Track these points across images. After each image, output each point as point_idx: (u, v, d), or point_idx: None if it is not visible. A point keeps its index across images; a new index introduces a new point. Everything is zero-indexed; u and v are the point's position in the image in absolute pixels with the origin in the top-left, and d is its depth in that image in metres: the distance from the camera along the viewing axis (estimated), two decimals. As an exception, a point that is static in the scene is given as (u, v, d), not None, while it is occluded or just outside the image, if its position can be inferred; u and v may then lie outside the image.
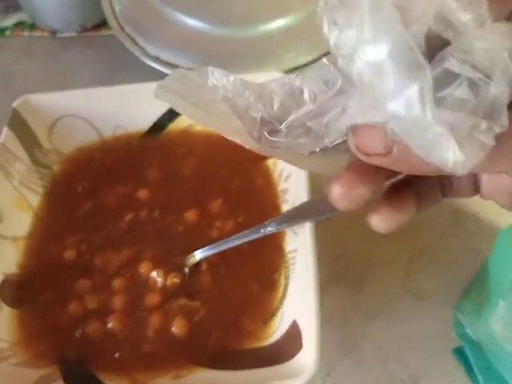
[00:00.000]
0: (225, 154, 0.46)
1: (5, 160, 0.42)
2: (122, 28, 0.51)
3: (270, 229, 0.36)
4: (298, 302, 0.34)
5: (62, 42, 0.66)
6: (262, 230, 0.37)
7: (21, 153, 0.44)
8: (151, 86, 0.47)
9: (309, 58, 0.49)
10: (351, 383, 0.38)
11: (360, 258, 0.44)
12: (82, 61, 0.64)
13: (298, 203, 0.38)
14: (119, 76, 0.61)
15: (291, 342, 0.33)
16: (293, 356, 0.31)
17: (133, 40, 0.50)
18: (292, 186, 0.41)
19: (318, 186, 0.38)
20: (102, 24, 0.65)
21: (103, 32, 0.65)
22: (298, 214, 0.36)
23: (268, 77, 0.23)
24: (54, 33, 0.66)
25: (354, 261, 0.43)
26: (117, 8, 0.52)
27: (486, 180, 0.23)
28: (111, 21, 0.52)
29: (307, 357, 0.30)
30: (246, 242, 0.39)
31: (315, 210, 0.35)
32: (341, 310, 0.41)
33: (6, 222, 0.41)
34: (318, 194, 0.36)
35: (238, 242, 0.38)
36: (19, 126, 0.44)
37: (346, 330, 0.40)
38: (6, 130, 0.43)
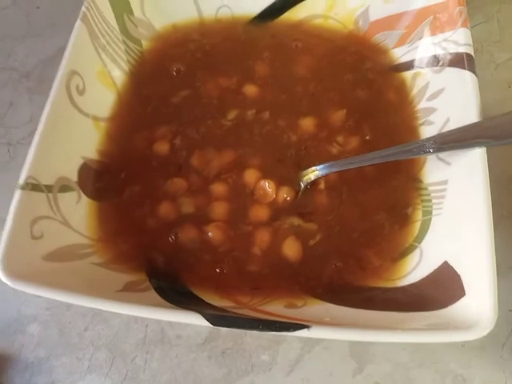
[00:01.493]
0: (349, 59, 0.39)
1: (91, 17, 0.34)
2: None
3: (427, 149, 0.29)
4: (453, 241, 0.28)
5: None
6: (414, 150, 0.30)
7: (109, 14, 0.36)
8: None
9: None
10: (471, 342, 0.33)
11: None
12: None
13: (451, 126, 0.31)
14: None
15: (442, 286, 0.27)
16: (449, 304, 0.26)
17: None
18: (443, 104, 0.33)
19: (489, 105, 0.32)
20: None
21: None
22: (467, 137, 0.29)
23: None
24: None
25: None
26: None
27: None
28: None
29: (477, 305, 0.24)
30: (373, 166, 0.33)
31: (491, 133, 0.28)
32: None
33: (87, 96, 0.34)
34: (495, 115, 0.29)
35: (375, 161, 0.31)
36: (110, -20, 0.36)
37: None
38: (95, -20, 0.35)
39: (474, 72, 0.31)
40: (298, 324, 0.24)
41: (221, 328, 0.25)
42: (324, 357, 0.33)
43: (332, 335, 0.24)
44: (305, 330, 0.24)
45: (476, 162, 0.28)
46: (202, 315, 0.24)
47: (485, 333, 0.23)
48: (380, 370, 0.33)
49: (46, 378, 0.34)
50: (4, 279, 0.25)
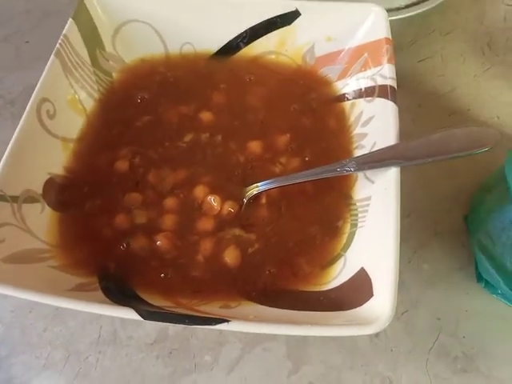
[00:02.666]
0: (297, 90, 0.43)
1: (65, 52, 0.39)
2: None
3: (349, 168, 0.33)
4: (369, 250, 0.31)
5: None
6: (338, 169, 0.34)
7: (82, 50, 0.41)
8: (229, 2, 0.43)
9: (405, 1, 0.45)
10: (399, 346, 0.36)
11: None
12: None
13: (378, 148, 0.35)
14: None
15: (357, 289, 0.30)
16: (360, 304, 0.29)
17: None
18: (373, 130, 0.37)
19: (409, 131, 0.35)
20: None
21: None
22: (383, 158, 0.33)
23: None
24: None
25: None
26: None
27: None
28: None
29: (380, 305, 0.27)
30: (311, 184, 0.37)
31: (404, 155, 0.32)
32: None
33: (57, 120, 0.38)
34: (413, 138, 0.33)
35: (306, 179, 0.35)
36: (84, 20, 0.41)
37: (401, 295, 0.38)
38: (70, 21, 0.40)
39: (395, 102, 0.35)
40: (219, 319, 0.27)
41: (153, 322, 0.28)
42: (263, 358, 0.36)
43: (245, 328, 0.27)
44: (224, 324, 0.27)
45: (391, 179, 0.32)
46: (136, 310, 0.28)
47: (381, 328, 0.26)
48: (314, 370, 0.35)
49: (4, 375, 0.37)
50: (-36, 277, 0.29)
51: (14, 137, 0.34)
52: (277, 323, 0.27)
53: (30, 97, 0.50)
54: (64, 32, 0.40)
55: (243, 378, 0.35)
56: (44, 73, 0.38)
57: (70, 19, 0.40)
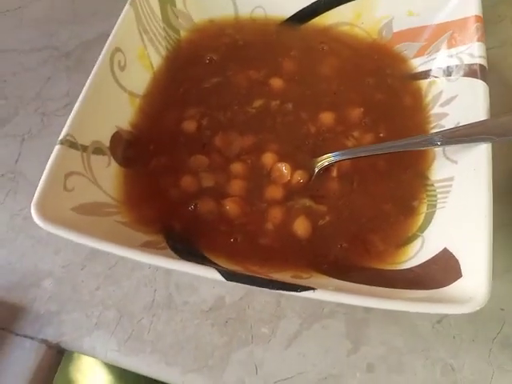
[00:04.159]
0: (370, 64, 0.41)
1: (139, 3, 0.38)
2: None
3: (435, 142, 0.31)
4: (453, 231, 0.30)
5: None
6: (423, 142, 0.32)
7: (155, 3, 0.39)
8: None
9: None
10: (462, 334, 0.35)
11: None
12: None
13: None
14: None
15: (440, 270, 0.29)
16: (446, 284, 0.27)
17: None
18: (454, 110, 0.35)
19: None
20: None
21: None
22: (472, 133, 0.31)
23: None
24: None
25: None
26: None
27: None
28: None
29: (473, 285, 0.26)
30: (384, 161, 0.35)
31: (495, 130, 0.30)
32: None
33: (126, 73, 0.36)
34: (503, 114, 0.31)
35: (387, 150, 0.33)
36: (158, -28, 0.39)
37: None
38: (145, -29, 0.38)
39: (486, 81, 0.34)
40: (304, 286, 0.26)
41: (233, 283, 0.27)
42: (321, 335, 0.35)
43: (335, 298, 0.26)
44: (310, 292, 0.26)
45: (481, 158, 0.30)
46: (217, 270, 0.26)
47: (476, 308, 0.25)
48: (374, 352, 0.34)
49: (55, 330, 0.36)
50: (37, 221, 0.28)
51: (86, 84, 0.33)
52: (369, 295, 0.25)
53: (86, 51, 0.50)
54: (139, -19, 0.38)
55: (301, 354, 0.34)
56: (118, 21, 0.36)
57: (145, -31, 0.39)
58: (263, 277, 0.27)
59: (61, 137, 0.31)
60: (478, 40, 0.35)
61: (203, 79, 0.40)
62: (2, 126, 0.44)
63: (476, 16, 0.36)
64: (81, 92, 0.44)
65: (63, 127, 0.43)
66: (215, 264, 0.30)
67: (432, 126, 0.37)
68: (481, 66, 0.34)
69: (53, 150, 0.41)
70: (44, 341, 0.35)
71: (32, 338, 0.36)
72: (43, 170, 0.42)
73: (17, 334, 0.36)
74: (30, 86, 0.47)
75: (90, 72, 0.47)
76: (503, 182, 0.40)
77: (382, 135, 0.37)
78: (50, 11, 0.52)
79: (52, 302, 0.37)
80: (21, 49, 0.49)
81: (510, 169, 0.41)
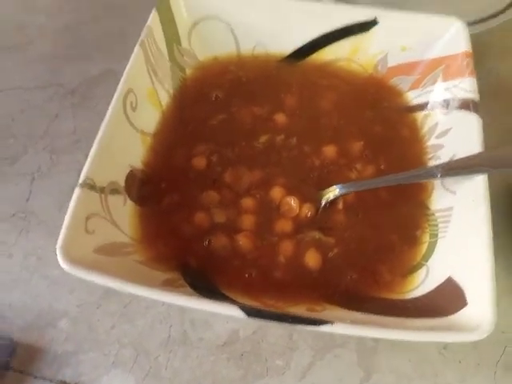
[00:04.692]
0: (368, 98, 0.43)
1: (148, 43, 0.39)
2: None
3: (435, 174, 0.33)
4: (455, 260, 0.32)
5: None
6: (423, 174, 0.34)
7: (161, 42, 0.41)
8: (307, 6, 0.44)
9: (470, 18, 0.46)
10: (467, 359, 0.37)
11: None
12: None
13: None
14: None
15: (446, 298, 0.31)
16: (452, 312, 0.29)
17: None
18: (450, 142, 0.37)
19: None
20: None
21: None
22: (469, 164, 0.33)
23: None
24: None
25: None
26: None
27: None
28: None
29: (479, 313, 0.28)
30: (387, 192, 0.37)
31: (490, 162, 0.33)
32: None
33: (138, 112, 0.38)
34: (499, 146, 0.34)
35: (389, 183, 0.35)
36: (166, 13, 0.41)
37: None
38: (153, 12, 0.40)
39: (478, 114, 0.36)
40: (323, 320, 0.27)
41: (252, 320, 0.28)
42: (334, 365, 0.36)
43: (351, 331, 0.27)
44: (328, 325, 0.27)
45: (478, 188, 0.32)
46: (240, 308, 0.28)
47: (484, 335, 0.26)
48: (385, 379, 0.36)
49: (73, 371, 0.37)
50: (62, 264, 0.29)
51: (102, 126, 0.34)
52: (382, 327, 0.27)
53: (90, 88, 0.51)
54: (148, 23, 0.40)
55: None
56: (129, 63, 0.38)
57: (154, 10, 0.40)
58: (283, 312, 0.28)
59: (80, 180, 0.32)
60: (469, 75, 0.38)
61: (210, 116, 0.41)
62: (11, 164, 0.45)
63: (466, 52, 0.39)
64: (87, 128, 0.46)
65: (72, 164, 0.45)
66: (233, 300, 0.32)
67: (429, 156, 0.39)
68: (473, 100, 0.37)
69: (63, 187, 0.44)
70: (63, 382, 0.36)
71: (51, 381, 0.36)
72: (54, 208, 0.43)
73: (35, 377, 0.36)
74: (38, 123, 0.48)
75: (96, 108, 0.49)
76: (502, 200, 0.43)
77: (382, 167, 0.39)
78: (54, 48, 0.53)
79: (68, 342, 0.38)
80: (26, 86, 0.51)
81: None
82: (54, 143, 0.47)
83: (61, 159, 0.46)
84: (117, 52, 0.53)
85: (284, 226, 0.36)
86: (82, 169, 0.44)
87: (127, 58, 0.50)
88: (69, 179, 0.44)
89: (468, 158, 0.34)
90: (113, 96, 0.47)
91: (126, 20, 0.55)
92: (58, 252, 0.29)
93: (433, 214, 0.36)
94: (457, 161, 0.34)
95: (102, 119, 0.47)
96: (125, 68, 0.49)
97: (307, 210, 0.37)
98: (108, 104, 0.47)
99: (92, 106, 0.49)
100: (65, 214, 0.41)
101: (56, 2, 0.58)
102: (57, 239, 0.39)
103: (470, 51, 0.39)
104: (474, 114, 0.36)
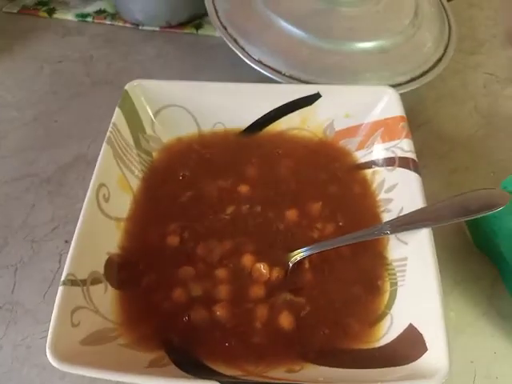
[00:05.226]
0: (321, 160, 0.48)
1: (114, 139, 0.43)
2: (224, 28, 0.52)
3: (385, 231, 0.38)
4: (414, 307, 0.35)
5: (144, 34, 0.68)
6: (376, 232, 0.38)
7: (127, 135, 0.45)
8: (257, 87, 0.49)
9: (403, 78, 0.52)
10: None
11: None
12: (164, 55, 0.65)
13: (404, 213, 0.40)
14: (202, 74, 0.63)
15: (409, 345, 0.34)
16: (415, 358, 0.32)
17: (235, 41, 0.51)
18: (397, 196, 0.42)
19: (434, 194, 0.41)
20: (187, 22, 0.67)
21: (186, 30, 0.67)
22: (414, 220, 0.37)
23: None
24: (136, 25, 0.67)
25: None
26: (219, 8, 0.53)
27: None
28: (214, 20, 0.53)
29: (436, 358, 0.31)
30: (347, 246, 0.41)
31: (433, 216, 0.37)
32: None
33: (111, 202, 0.41)
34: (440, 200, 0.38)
35: (347, 242, 0.39)
36: (128, 108, 0.45)
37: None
38: (117, 110, 0.44)
39: (418, 173, 0.41)
40: (299, 382, 0.30)
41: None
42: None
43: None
44: (304, 388, 0.30)
45: (424, 240, 0.36)
46: (220, 382, 0.30)
47: (441, 381, 0.29)
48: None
49: None
50: (52, 362, 0.31)
51: (78, 224, 0.37)
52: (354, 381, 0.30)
53: (65, 174, 0.54)
54: (113, 120, 0.44)
55: None
56: (98, 160, 0.41)
57: (117, 108, 0.44)
58: (258, 381, 0.31)
59: (63, 277, 0.34)
60: (405, 137, 0.43)
61: (179, 194, 0.45)
62: (-6, 258, 0.47)
63: (400, 116, 0.44)
64: (65, 215, 0.49)
65: (52, 250, 0.47)
66: (215, 372, 0.34)
67: (382, 209, 0.43)
68: (412, 159, 0.42)
69: (45, 274, 0.46)
70: None
71: None
72: (39, 296, 0.45)
73: None
74: (16, 214, 0.50)
75: (70, 193, 0.52)
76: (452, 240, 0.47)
77: (341, 224, 0.43)
78: (26, 140, 0.57)
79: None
80: (3, 179, 0.53)
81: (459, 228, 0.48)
82: (34, 232, 0.49)
83: (41, 247, 0.48)
84: (86, 137, 0.57)
85: (257, 291, 0.39)
86: (62, 253, 0.48)
87: (96, 141, 0.55)
88: (50, 265, 0.47)
89: (412, 214, 0.38)
90: (85, 179, 0.51)
91: (90, 106, 0.60)
92: (47, 351, 0.31)
93: (390, 264, 0.40)
94: (403, 217, 0.39)
95: (76, 204, 0.51)
96: (94, 151, 0.53)
97: (277, 274, 0.40)
98: (82, 189, 0.51)
99: (67, 193, 0.51)
100: (49, 300, 0.43)
101: (24, 96, 0.61)
102: (43, 326, 0.42)
103: (404, 116, 0.44)
104: (414, 172, 0.41)
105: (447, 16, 0.64)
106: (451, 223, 0.38)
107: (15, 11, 0.72)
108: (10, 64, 0.66)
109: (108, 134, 0.42)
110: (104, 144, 0.42)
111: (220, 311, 0.38)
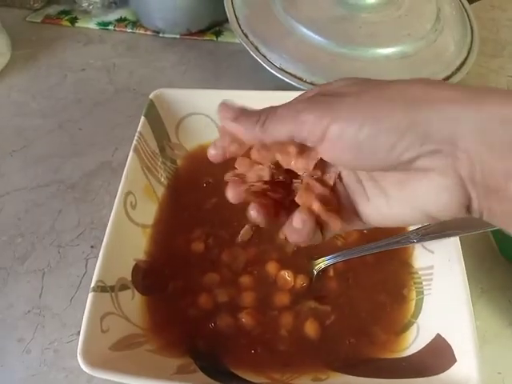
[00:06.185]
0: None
1: (140, 147, 0.44)
2: (245, 35, 0.53)
3: (412, 240, 0.37)
4: (441, 316, 0.35)
5: (164, 41, 0.69)
6: (402, 241, 0.38)
7: (152, 143, 0.46)
8: (278, 95, 0.49)
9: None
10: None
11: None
12: (185, 62, 0.66)
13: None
14: (223, 81, 0.64)
15: (436, 355, 0.34)
16: (444, 369, 0.32)
17: (256, 48, 0.52)
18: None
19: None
20: (207, 29, 0.67)
21: (206, 37, 0.68)
22: (442, 228, 0.37)
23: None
24: (157, 32, 0.68)
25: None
26: (240, 16, 0.54)
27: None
28: (235, 28, 0.53)
29: (466, 369, 0.30)
30: (372, 255, 0.41)
31: (460, 225, 0.36)
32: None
33: (137, 209, 0.42)
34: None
35: (372, 251, 0.39)
36: (153, 117, 0.46)
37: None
38: (142, 119, 0.45)
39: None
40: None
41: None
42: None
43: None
44: (331, 397, 0.30)
45: (452, 249, 0.36)
46: (247, 391, 0.30)
47: (475, 391, 0.29)
48: None
49: None
50: (84, 368, 0.31)
51: (107, 231, 0.38)
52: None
53: (90, 181, 0.55)
54: (138, 129, 0.44)
55: None
56: (125, 168, 0.42)
57: (142, 117, 0.45)
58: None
59: (92, 284, 0.35)
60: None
61: (203, 201, 0.45)
62: (22, 263, 0.48)
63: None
64: (91, 221, 0.50)
65: (78, 256, 0.48)
66: (242, 379, 0.34)
67: (406, 217, 0.43)
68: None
69: (72, 279, 0.46)
70: None
71: None
72: (66, 300, 0.46)
73: None
74: (43, 220, 0.51)
75: (95, 200, 0.53)
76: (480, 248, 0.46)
77: (365, 232, 0.43)
78: (51, 148, 0.58)
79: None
80: (30, 186, 0.54)
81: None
82: (61, 238, 0.50)
83: (68, 252, 0.49)
84: (110, 144, 0.58)
85: (282, 298, 0.39)
86: (88, 258, 0.49)
87: (119, 149, 0.55)
88: (77, 270, 0.48)
89: (440, 224, 0.37)
90: (110, 186, 0.52)
91: (113, 113, 0.60)
92: (78, 357, 0.31)
93: (416, 272, 0.40)
94: (431, 226, 0.38)
95: (102, 210, 0.51)
96: (118, 158, 0.54)
97: (302, 281, 0.40)
98: (107, 195, 0.52)
99: (92, 199, 0.52)
100: (75, 304, 0.44)
101: (49, 104, 0.63)
102: (70, 330, 0.42)
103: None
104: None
105: (469, 19, 0.63)
106: (477, 232, 0.37)
107: (39, 21, 0.74)
108: (35, 72, 0.67)
109: (134, 142, 0.43)
110: (131, 152, 0.43)
111: (245, 318, 0.38)
